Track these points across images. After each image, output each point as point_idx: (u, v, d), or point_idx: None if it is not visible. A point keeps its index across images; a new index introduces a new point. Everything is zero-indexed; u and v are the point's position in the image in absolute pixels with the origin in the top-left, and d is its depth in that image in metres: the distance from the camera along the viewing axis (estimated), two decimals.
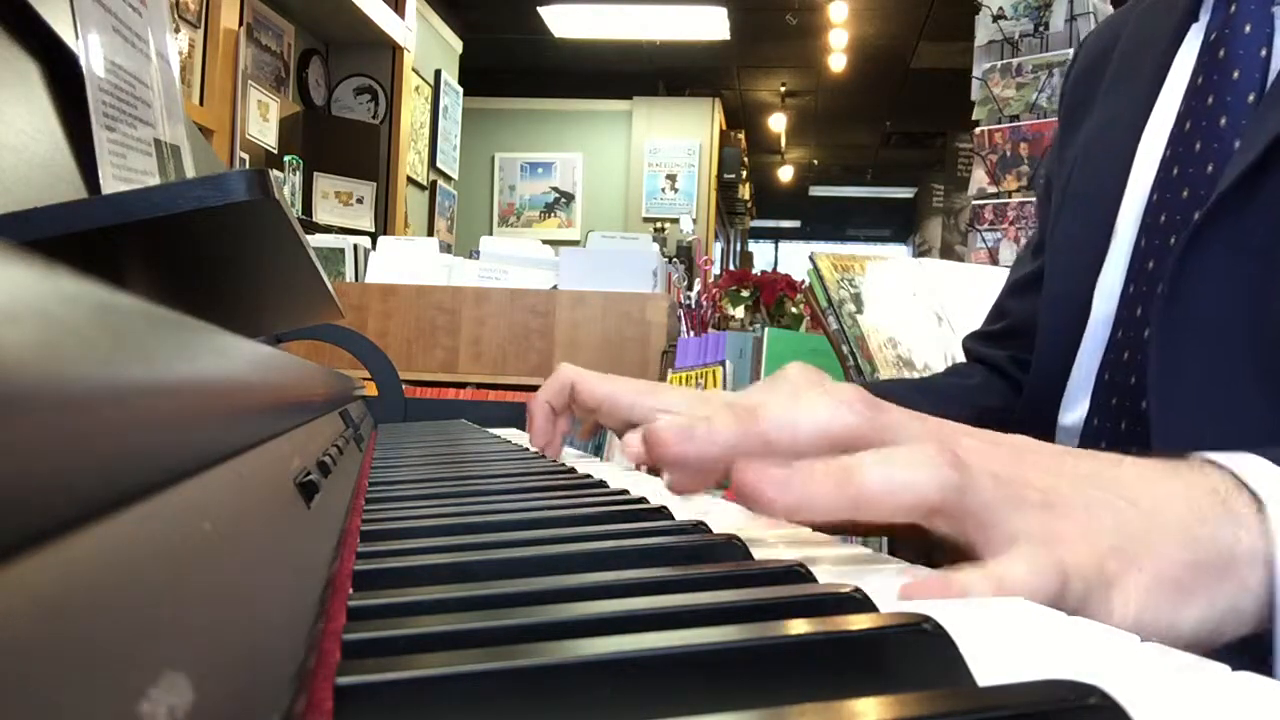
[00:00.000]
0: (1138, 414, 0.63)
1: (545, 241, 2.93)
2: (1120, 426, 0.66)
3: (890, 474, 0.32)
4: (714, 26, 6.31)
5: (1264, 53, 0.62)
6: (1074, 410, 0.72)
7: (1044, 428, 0.75)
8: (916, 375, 1.26)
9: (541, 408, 0.74)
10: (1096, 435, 0.68)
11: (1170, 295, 0.61)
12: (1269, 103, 0.60)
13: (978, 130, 2.45)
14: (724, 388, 1.60)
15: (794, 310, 1.91)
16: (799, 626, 0.21)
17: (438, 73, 5.45)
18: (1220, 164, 0.61)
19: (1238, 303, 0.58)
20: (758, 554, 0.33)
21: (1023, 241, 2.33)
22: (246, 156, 3.68)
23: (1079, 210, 0.75)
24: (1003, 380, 0.87)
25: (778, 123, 8.50)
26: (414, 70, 4.95)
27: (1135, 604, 0.32)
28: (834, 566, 0.33)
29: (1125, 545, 0.33)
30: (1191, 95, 0.66)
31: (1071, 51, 2.30)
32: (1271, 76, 0.62)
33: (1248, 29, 0.63)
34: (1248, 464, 0.35)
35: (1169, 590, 0.32)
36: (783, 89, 7.88)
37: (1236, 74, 0.63)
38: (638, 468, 0.65)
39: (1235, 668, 0.21)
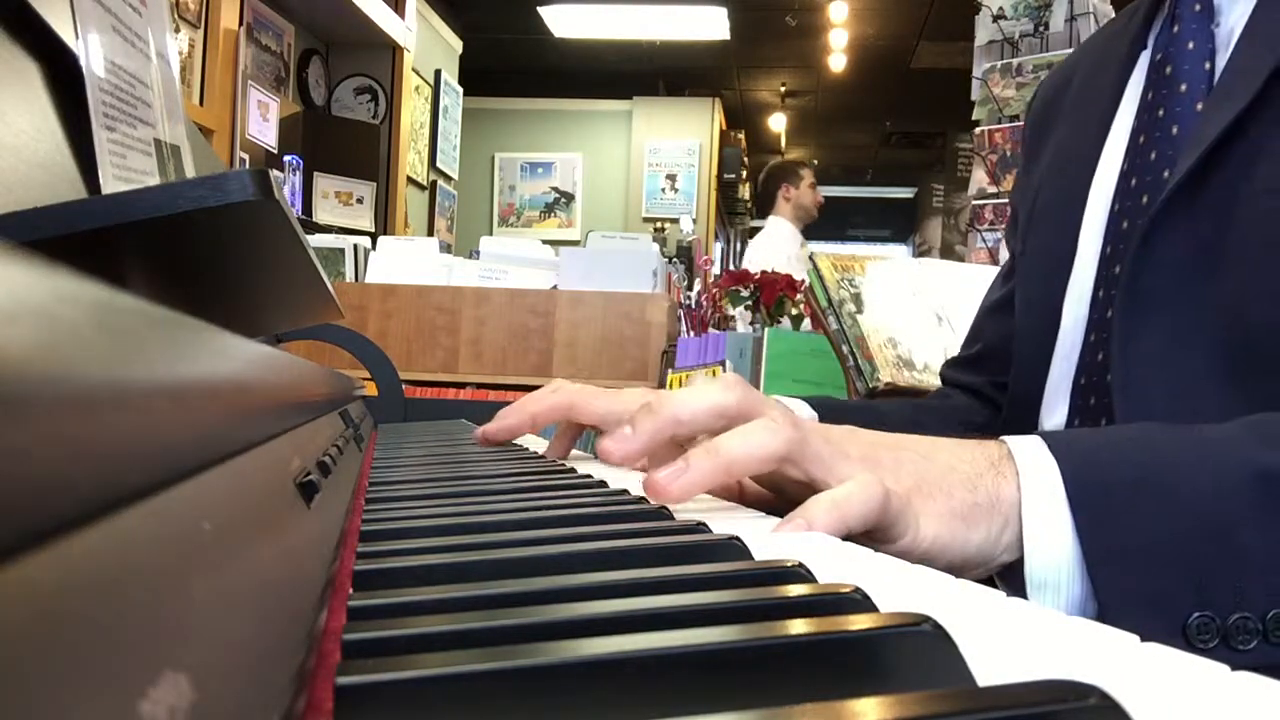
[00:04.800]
0: (1114, 412, 0.65)
1: (545, 241, 2.92)
2: (1100, 425, 0.68)
3: (746, 440, 0.44)
4: (714, 26, 6.30)
5: (1208, 65, 0.66)
6: (1054, 415, 0.75)
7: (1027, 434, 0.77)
8: (916, 375, 1.26)
9: (522, 418, 0.73)
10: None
11: (1127, 293, 0.65)
12: (1209, 108, 0.64)
13: (978, 130, 2.45)
14: None
15: (794, 311, 1.91)
16: (799, 626, 0.21)
17: (438, 73, 5.44)
18: (1174, 170, 0.65)
19: (1189, 296, 0.62)
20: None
21: None
22: (246, 156, 3.67)
23: (1046, 225, 0.79)
24: (983, 404, 0.89)
25: (778, 123, 8.49)
26: (414, 70, 4.95)
27: (934, 526, 0.44)
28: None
29: (924, 484, 0.45)
30: (1144, 110, 0.70)
31: (1072, 52, 2.31)
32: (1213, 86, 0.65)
33: (1191, 45, 0.67)
34: (1020, 441, 0.48)
35: (959, 519, 0.45)
36: (783, 89, 7.88)
37: (1184, 87, 0.67)
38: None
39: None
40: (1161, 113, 0.68)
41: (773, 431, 0.45)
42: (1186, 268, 0.62)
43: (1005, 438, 0.48)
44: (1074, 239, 0.73)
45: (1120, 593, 0.42)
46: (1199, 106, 0.65)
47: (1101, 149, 0.74)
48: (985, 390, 0.90)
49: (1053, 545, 0.44)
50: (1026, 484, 0.45)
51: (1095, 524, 0.43)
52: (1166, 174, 0.65)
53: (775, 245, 4.27)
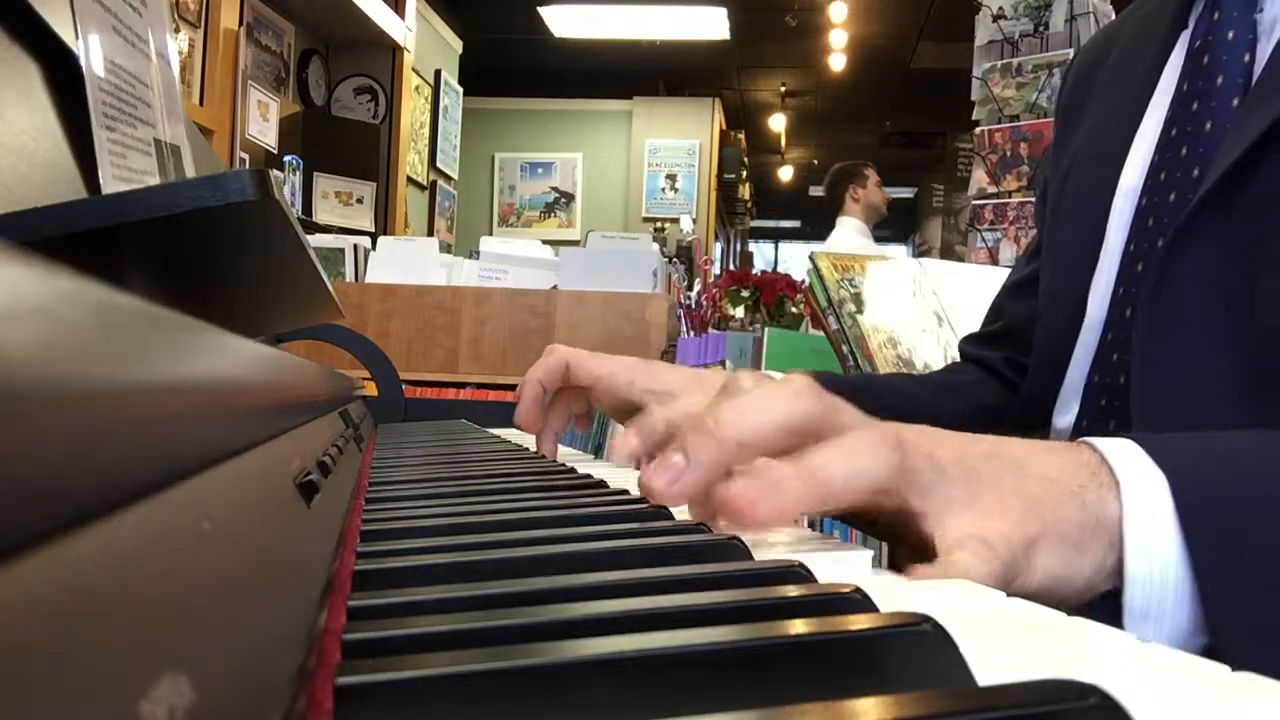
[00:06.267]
0: (1125, 416, 0.63)
1: (545, 241, 2.92)
2: (1108, 428, 0.66)
3: (849, 466, 0.36)
4: (714, 26, 6.31)
5: (1247, 58, 0.63)
6: (1067, 413, 0.72)
7: (1038, 429, 0.75)
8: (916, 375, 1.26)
9: (532, 386, 0.72)
10: (1086, 437, 0.68)
11: (1154, 296, 0.62)
12: (1250, 106, 0.60)
13: (978, 130, 2.45)
14: None
15: (794, 310, 1.91)
16: (799, 626, 0.21)
17: (438, 73, 5.44)
18: (1206, 168, 0.61)
19: (1219, 304, 0.59)
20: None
21: (1023, 241, 2.33)
22: (246, 156, 3.67)
23: (1073, 214, 0.76)
24: (998, 381, 0.88)
25: (778, 123, 8.49)
26: (414, 70, 4.95)
27: (1047, 561, 0.37)
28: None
29: (1032, 509, 0.38)
30: (1178, 102, 0.67)
31: (1071, 52, 2.31)
32: (1255, 81, 0.62)
33: (1230, 35, 0.64)
34: (1113, 445, 0.41)
35: (1069, 546, 0.38)
36: (783, 89, 7.88)
37: (1221, 79, 0.63)
38: (636, 466, 0.66)
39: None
40: (1196, 106, 0.64)
41: (874, 454, 0.37)
42: (1216, 277, 0.59)
43: (1090, 440, 0.42)
44: (1100, 233, 0.70)
45: (1238, 625, 0.37)
46: (1234, 102, 0.62)
47: (1133, 137, 0.71)
48: (1001, 368, 0.88)
49: (1157, 570, 0.38)
50: (1129, 498, 0.39)
51: (1208, 547, 0.37)
52: (1196, 172, 0.62)
53: (848, 246, 4.24)
